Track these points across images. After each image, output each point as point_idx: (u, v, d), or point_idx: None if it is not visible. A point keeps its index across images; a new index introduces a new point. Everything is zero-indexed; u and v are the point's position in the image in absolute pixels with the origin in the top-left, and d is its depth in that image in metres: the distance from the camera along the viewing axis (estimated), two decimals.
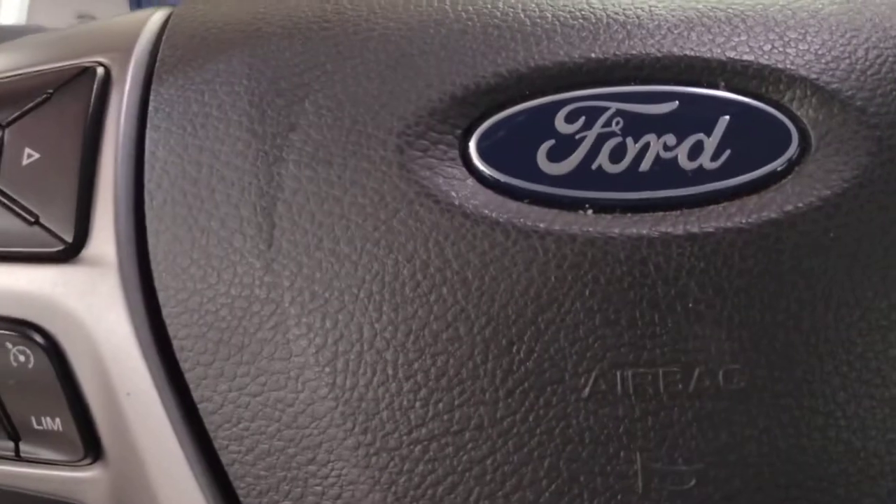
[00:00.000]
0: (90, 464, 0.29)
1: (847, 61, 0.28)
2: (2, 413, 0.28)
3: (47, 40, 0.33)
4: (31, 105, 0.29)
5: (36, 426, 0.28)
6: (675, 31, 0.29)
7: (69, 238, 0.27)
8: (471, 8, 0.30)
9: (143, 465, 0.28)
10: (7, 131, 0.29)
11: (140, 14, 0.33)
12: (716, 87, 0.28)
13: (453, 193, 0.27)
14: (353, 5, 0.31)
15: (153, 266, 0.28)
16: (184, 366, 0.27)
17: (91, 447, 0.28)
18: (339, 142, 0.28)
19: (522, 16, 0.29)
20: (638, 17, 0.29)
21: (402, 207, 0.27)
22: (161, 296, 0.27)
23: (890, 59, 0.28)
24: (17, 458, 0.29)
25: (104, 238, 0.27)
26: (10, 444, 0.29)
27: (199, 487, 0.27)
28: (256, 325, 0.27)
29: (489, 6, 0.30)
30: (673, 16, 0.29)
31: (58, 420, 0.28)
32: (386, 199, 0.27)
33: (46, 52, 0.31)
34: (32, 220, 0.28)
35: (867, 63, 0.28)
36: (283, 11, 0.31)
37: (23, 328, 0.27)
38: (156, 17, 0.32)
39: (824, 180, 0.27)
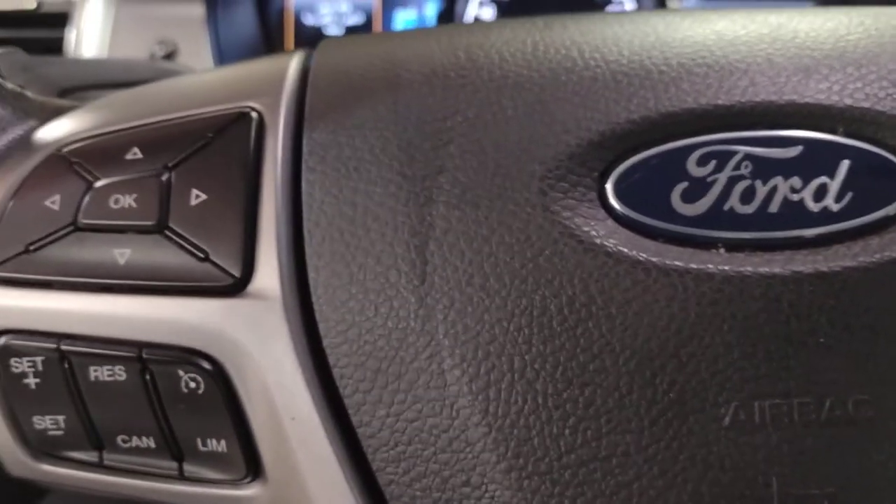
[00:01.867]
0: (250, 482, 0.31)
1: None
2: (169, 436, 0.30)
3: (196, 84, 0.35)
4: (194, 148, 0.31)
5: (201, 448, 0.30)
6: (795, 79, 0.30)
7: (237, 273, 0.29)
8: (598, 56, 0.32)
9: (303, 484, 0.30)
10: (174, 173, 0.31)
11: (278, 60, 0.35)
12: (835, 132, 0.30)
13: (594, 233, 0.29)
14: (485, 52, 0.32)
15: (314, 299, 0.30)
16: (344, 392, 0.29)
17: (252, 467, 0.30)
18: (484, 184, 0.30)
19: (648, 63, 0.31)
20: (759, 65, 0.31)
21: (547, 247, 0.29)
22: (322, 327, 0.29)
23: None
24: (181, 477, 0.31)
25: (268, 273, 0.29)
26: (175, 465, 0.31)
27: None
28: (412, 356, 0.29)
29: (615, 54, 0.32)
30: (791, 63, 0.31)
31: (223, 442, 0.30)
32: (532, 239, 0.29)
33: (199, 97, 0.33)
34: (203, 256, 0.30)
35: None
36: (419, 59, 0.33)
37: (194, 357, 0.30)
38: (294, 62, 0.34)
39: None
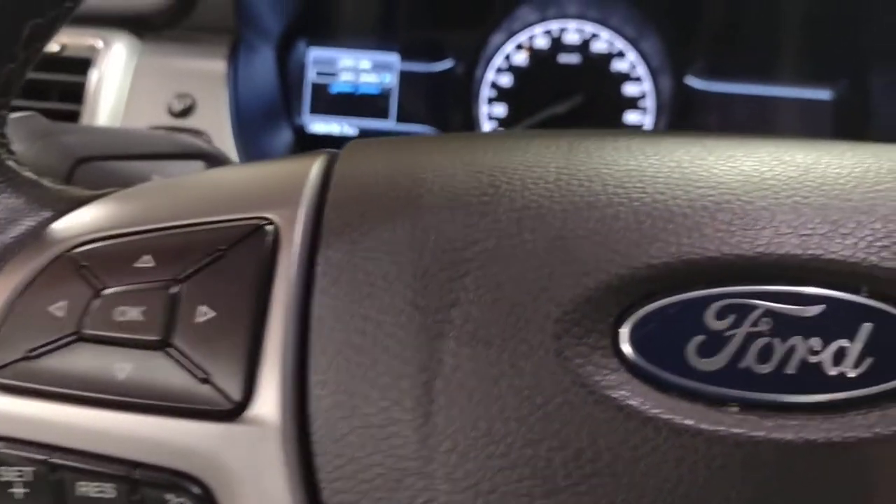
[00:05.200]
0: None
1: None
2: None
3: (216, 186, 0.35)
4: (206, 262, 0.30)
5: None
6: (821, 232, 0.30)
7: (237, 397, 0.29)
8: (621, 191, 0.31)
9: None
10: (183, 286, 0.30)
11: (301, 163, 0.34)
12: (857, 292, 0.29)
13: (605, 383, 0.28)
14: (507, 178, 0.32)
15: (313, 430, 0.29)
16: None
17: None
18: (497, 322, 0.29)
19: (672, 204, 0.31)
20: (784, 213, 0.30)
21: (557, 395, 0.28)
22: (318, 460, 0.29)
23: None
24: None
25: (268, 400, 0.29)
26: None
27: None
28: (408, 499, 0.28)
29: (638, 191, 0.31)
30: (817, 214, 0.30)
31: None
32: (542, 385, 0.28)
33: (218, 202, 0.33)
34: (204, 377, 0.29)
35: None
36: (442, 179, 0.32)
37: (185, 481, 0.29)
38: (315, 168, 0.33)
39: None
